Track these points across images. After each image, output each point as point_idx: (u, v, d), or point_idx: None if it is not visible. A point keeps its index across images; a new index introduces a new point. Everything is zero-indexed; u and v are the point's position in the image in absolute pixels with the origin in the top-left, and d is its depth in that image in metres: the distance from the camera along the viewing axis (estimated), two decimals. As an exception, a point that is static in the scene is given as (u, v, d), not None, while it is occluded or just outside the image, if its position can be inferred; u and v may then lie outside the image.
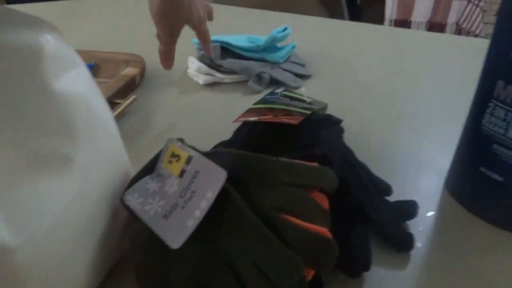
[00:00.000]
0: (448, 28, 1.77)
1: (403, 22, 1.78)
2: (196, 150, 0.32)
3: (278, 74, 0.60)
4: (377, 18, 1.78)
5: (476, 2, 1.67)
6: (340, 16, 1.77)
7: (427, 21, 1.80)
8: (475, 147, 0.36)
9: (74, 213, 0.27)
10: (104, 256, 0.31)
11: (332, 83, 0.61)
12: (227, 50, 0.62)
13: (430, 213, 0.38)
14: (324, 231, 0.28)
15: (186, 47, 0.57)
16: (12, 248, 0.22)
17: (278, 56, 0.61)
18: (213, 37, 0.57)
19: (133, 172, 0.33)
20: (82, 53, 0.68)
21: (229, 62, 0.61)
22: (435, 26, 1.76)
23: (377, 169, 0.40)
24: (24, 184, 0.24)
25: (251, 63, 0.61)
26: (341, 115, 0.45)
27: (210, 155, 0.32)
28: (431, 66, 0.66)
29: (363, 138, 0.48)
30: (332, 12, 1.79)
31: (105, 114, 0.31)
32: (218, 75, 0.61)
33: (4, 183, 0.23)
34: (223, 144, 0.41)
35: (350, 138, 0.43)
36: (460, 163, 0.38)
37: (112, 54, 0.68)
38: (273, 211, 0.29)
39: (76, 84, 0.28)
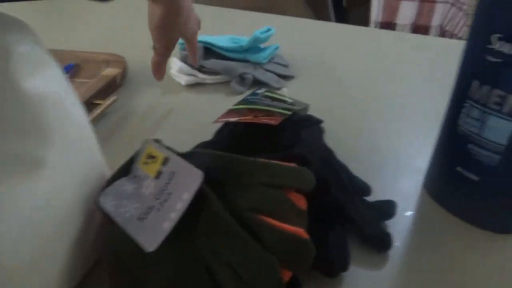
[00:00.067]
0: (432, 30, 1.80)
1: (388, 25, 1.80)
2: (173, 151, 0.32)
3: (260, 74, 0.60)
4: (363, 20, 1.79)
5: (459, 6, 1.71)
6: (326, 18, 1.78)
7: (412, 24, 1.83)
8: (452, 147, 0.36)
9: (45, 215, 0.26)
10: (78, 259, 0.30)
11: (315, 84, 0.61)
12: (209, 51, 0.62)
13: (409, 213, 0.38)
14: (301, 231, 0.28)
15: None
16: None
17: (261, 56, 0.61)
18: (196, 37, 0.57)
19: (110, 174, 0.33)
20: (63, 53, 0.68)
21: (211, 63, 0.60)
22: (420, 28, 1.78)
23: (357, 169, 0.40)
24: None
25: (234, 63, 0.60)
26: (323, 115, 0.45)
27: (187, 156, 0.32)
28: (413, 67, 0.66)
29: (343, 139, 0.48)
30: (319, 14, 1.80)
31: (79, 115, 0.31)
32: (201, 75, 0.60)
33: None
34: (203, 144, 0.41)
35: (330, 139, 0.43)
36: (438, 163, 0.39)
37: (93, 54, 0.67)
38: (249, 212, 0.28)
39: (48, 84, 0.28)
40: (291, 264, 0.27)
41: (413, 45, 0.75)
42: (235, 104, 0.44)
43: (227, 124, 0.43)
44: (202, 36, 0.63)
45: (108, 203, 0.30)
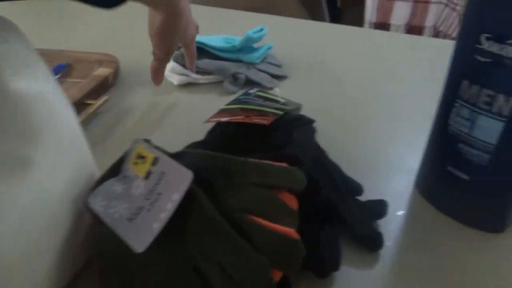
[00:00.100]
0: (426, 31, 1.81)
1: (382, 25, 1.81)
2: (163, 151, 0.31)
3: (253, 74, 0.60)
4: (357, 21, 1.80)
5: (453, 6, 1.72)
6: (321, 19, 1.79)
7: (406, 24, 1.83)
8: (442, 146, 0.36)
9: (33, 216, 0.26)
10: (67, 260, 0.30)
11: (308, 84, 0.61)
12: (202, 51, 0.62)
13: (400, 212, 0.38)
14: (291, 231, 0.28)
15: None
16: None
17: (254, 56, 0.61)
18: (188, 37, 0.57)
19: (100, 174, 0.32)
20: (55, 53, 0.67)
21: (204, 63, 0.60)
22: (414, 29, 1.79)
23: (349, 169, 0.40)
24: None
25: (227, 63, 0.60)
26: (315, 115, 0.45)
27: (177, 156, 0.32)
28: (406, 68, 0.67)
29: (335, 138, 0.48)
30: (313, 15, 1.80)
31: (68, 115, 0.30)
32: (193, 75, 0.60)
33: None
34: (195, 144, 0.41)
35: (322, 138, 0.43)
36: (429, 163, 0.39)
37: (85, 54, 0.66)
38: (240, 212, 0.28)
39: (35, 84, 0.27)
40: (281, 264, 0.27)
41: (407, 46, 0.75)
42: (227, 104, 0.44)
43: (219, 124, 0.43)
44: (195, 36, 0.62)
45: (97, 204, 0.29)
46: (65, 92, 0.57)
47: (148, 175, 0.30)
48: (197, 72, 0.60)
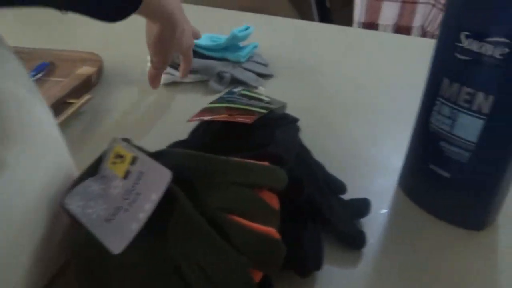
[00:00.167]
0: (414, 31, 1.83)
1: (370, 25, 1.82)
2: (142, 150, 0.31)
3: (239, 73, 0.59)
4: (346, 21, 1.81)
5: (440, 7, 1.74)
6: (310, 19, 1.79)
7: (394, 24, 1.85)
8: (424, 144, 0.36)
9: (5, 217, 0.25)
10: (44, 262, 0.29)
11: (294, 83, 0.61)
12: (188, 49, 0.61)
13: (383, 211, 0.38)
14: (271, 231, 0.27)
15: (146, 46, 0.56)
16: None
17: (240, 55, 0.61)
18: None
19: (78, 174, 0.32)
20: (38, 52, 0.66)
21: (189, 61, 0.59)
22: (402, 29, 1.80)
23: (332, 168, 0.40)
24: None
25: (212, 62, 0.60)
26: (300, 114, 0.45)
27: (157, 155, 0.31)
28: (393, 68, 0.67)
29: (320, 137, 0.48)
30: (303, 15, 1.81)
31: (44, 114, 0.30)
32: (178, 74, 0.59)
33: None
34: (177, 143, 0.40)
35: (307, 137, 0.43)
36: (411, 161, 0.39)
37: (68, 53, 0.65)
38: (220, 212, 0.28)
39: (8, 82, 0.27)
40: (261, 264, 0.27)
41: (393, 45, 0.76)
42: (210, 103, 0.44)
43: (202, 123, 0.42)
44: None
45: (74, 204, 0.29)
46: (47, 91, 0.56)
47: (126, 175, 0.29)
48: (182, 71, 0.60)
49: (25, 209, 0.27)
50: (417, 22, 1.82)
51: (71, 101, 0.54)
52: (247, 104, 0.43)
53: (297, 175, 0.34)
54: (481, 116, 0.30)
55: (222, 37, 0.62)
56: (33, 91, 0.29)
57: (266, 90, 0.57)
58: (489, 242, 0.35)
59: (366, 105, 0.56)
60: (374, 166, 0.44)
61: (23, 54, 0.64)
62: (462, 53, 0.30)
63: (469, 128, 0.31)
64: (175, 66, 0.60)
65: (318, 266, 0.31)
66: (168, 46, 0.48)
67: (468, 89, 0.30)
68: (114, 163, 0.30)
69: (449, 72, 0.32)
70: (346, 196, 0.38)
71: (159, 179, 0.28)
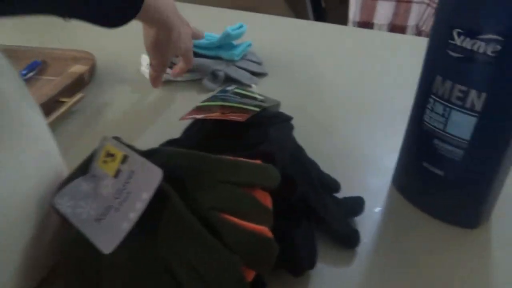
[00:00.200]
0: (408, 30, 1.83)
1: (365, 24, 1.82)
2: (133, 149, 0.30)
3: (233, 71, 0.59)
4: (341, 20, 1.81)
5: (435, 6, 1.74)
6: (306, 19, 1.79)
7: (389, 24, 1.85)
8: (418, 142, 0.36)
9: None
10: (34, 264, 0.29)
11: (288, 82, 0.61)
12: (181, 48, 0.60)
13: (377, 209, 0.38)
14: (264, 229, 0.27)
15: (139, 45, 0.55)
16: None
17: (234, 53, 0.61)
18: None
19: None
20: (30, 50, 0.65)
21: (183, 60, 0.59)
22: (396, 28, 1.81)
23: (327, 166, 0.40)
24: None
25: (206, 60, 0.59)
26: (294, 113, 0.45)
27: (149, 154, 0.31)
28: (386, 65, 0.67)
29: (314, 136, 0.48)
30: (298, 14, 1.81)
31: (32, 112, 0.29)
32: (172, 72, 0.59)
33: None
34: (170, 142, 0.40)
35: (301, 136, 0.43)
36: (405, 159, 0.39)
37: (61, 51, 0.65)
38: (212, 211, 0.28)
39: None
40: (254, 263, 0.26)
41: (388, 44, 0.76)
42: (203, 101, 0.43)
43: (196, 121, 0.42)
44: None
45: (64, 204, 0.28)
46: (39, 90, 0.56)
47: (117, 174, 0.29)
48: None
49: (13, 209, 0.27)
50: (411, 21, 1.83)
51: (63, 99, 0.53)
52: (240, 103, 0.43)
53: (291, 174, 0.34)
54: (474, 114, 0.30)
55: (216, 36, 0.62)
56: (22, 89, 0.29)
57: (260, 89, 0.57)
58: (483, 240, 0.35)
59: (360, 104, 0.56)
60: (368, 164, 0.44)
61: (14, 53, 0.64)
62: (455, 50, 0.30)
63: (462, 125, 0.31)
64: (169, 65, 0.59)
65: (311, 265, 0.31)
66: (165, 49, 0.50)
67: (461, 87, 0.30)
68: (104, 162, 0.30)
69: (441, 69, 0.32)
70: (340, 195, 0.38)
71: (150, 178, 0.28)
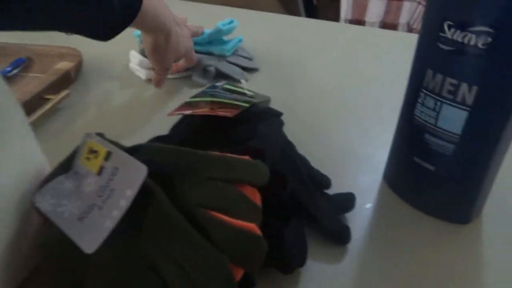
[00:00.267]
0: (400, 28, 1.84)
1: (357, 22, 1.83)
2: (118, 145, 0.30)
3: (224, 66, 0.58)
4: (333, 18, 1.81)
5: (425, 4, 1.75)
6: (297, 16, 1.79)
7: (380, 22, 1.86)
8: (409, 137, 0.36)
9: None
10: (14, 265, 0.28)
11: (279, 78, 0.60)
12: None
13: (368, 205, 0.38)
14: (252, 227, 0.26)
15: (128, 40, 0.54)
16: None
17: (225, 48, 0.60)
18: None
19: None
20: (15, 47, 0.63)
21: (172, 56, 0.58)
22: (388, 26, 1.82)
23: (317, 162, 0.39)
24: None
25: (198, 56, 0.58)
26: (285, 108, 0.44)
27: (134, 150, 0.30)
28: (378, 62, 0.67)
29: (304, 132, 0.47)
30: (290, 12, 1.80)
31: (10, 108, 0.28)
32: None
33: None
34: (158, 139, 0.39)
35: (292, 132, 0.42)
36: (396, 154, 0.38)
37: (46, 48, 0.63)
38: (199, 208, 0.27)
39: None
40: (242, 262, 0.26)
41: (379, 40, 0.76)
42: (192, 97, 0.42)
43: (184, 118, 0.41)
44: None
45: (45, 203, 0.27)
46: (24, 87, 0.54)
47: (100, 171, 0.28)
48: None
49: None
50: (403, 19, 1.83)
51: (48, 97, 0.52)
52: (229, 98, 0.42)
53: (281, 170, 0.34)
54: (465, 108, 0.30)
55: (207, 31, 0.61)
56: (1, 86, 0.28)
57: (251, 85, 0.56)
58: (474, 236, 0.35)
59: (351, 100, 0.55)
60: (359, 160, 0.44)
61: (3, 50, 0.62)
62: (445, 43, 0.29)
63: (453, 120, 0.31)
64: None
65: (301, 262, 0.30)
66: (164, 54, 0.50)
67: (452, 80, 0.30)
68: (87, 158, 0.29)
69: (432, 63, 0.31)
70: (330, 191, 0.37)
71: (135, 174, 0.27)
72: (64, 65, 0.58)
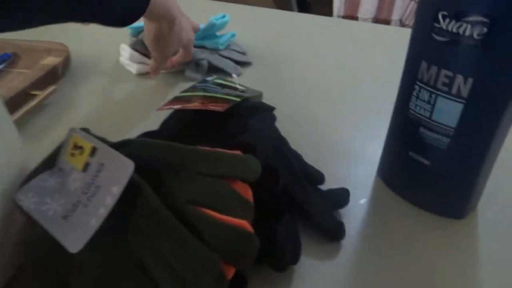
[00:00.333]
0: (392, 24, 1.84)
1: (350, 18, 1.82)
2: (104, 140, 0.29)
3: (217, 60, 0.57)
4: (326, 14, 1.80)
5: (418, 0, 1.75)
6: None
7: (373, 18, 1.86)
8: (403, 131, 0.35)
9: None
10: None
11: (271, 72, 0.59)
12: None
13: (363, 201, 0.37)
14: (244, 223, 0.25)
15: (118, 34, 0.53)
16: None
17: (218, 42, 0.59)
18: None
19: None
20: (0, 42, 0.62)
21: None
22: (380, 22, 1.82)
23: (310, 158, 0.39)
24: None
25: (190, 50, 0.57)
26: (278, 103, 0.44)
27: (120, 145, 0.29)
28: (372, 56, 0.66)
29: (297, 127, 0.46)
30: (282, 9, 1.79)
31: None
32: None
33: None
34: (147, 134, 0.38)
35: (284, 127, 0.41)
36: (391, 149, 0.38)
37: (33, 43, 0.62)
38: (189, 205, 0.26)
39: None
40: (233, 259, 0.25)
41: (372, 35, 0.75)
42: (183, 91, 0.41)
43: (175, 112, 0.40)
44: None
45: (28, 200, 0.26)
46: (9, 82, 0.53)
47: (86, 167, 0.27)
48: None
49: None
50: (395, 15, 1.84)
51: (34, 92, 0.50)
52: (220, 93, 0.41)
53: (273, 165, 0.33)
54: (460, 100, 0.29)
55: (202, 27, 0.60)
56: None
57: (243, 79, 0.55)
58: (470, 231, 0.34)
59: (344, 94, 0.55)
60: (353, 155, 0.43)
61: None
62: (440, 34, 0.29)
63: (448, 113, 0.30)
64: (150, 55, 0.57)
65: (295, 259, 0.30)
66: (167, 42, 0.50)
67: (447, 72, 0.29)
68: (72, 154, 0.28)
69: (427, 54, 0.31)
70: (324, 187, 0.37)
71: (121, 170, 0.26)
72: (51, 60, 0.57)
